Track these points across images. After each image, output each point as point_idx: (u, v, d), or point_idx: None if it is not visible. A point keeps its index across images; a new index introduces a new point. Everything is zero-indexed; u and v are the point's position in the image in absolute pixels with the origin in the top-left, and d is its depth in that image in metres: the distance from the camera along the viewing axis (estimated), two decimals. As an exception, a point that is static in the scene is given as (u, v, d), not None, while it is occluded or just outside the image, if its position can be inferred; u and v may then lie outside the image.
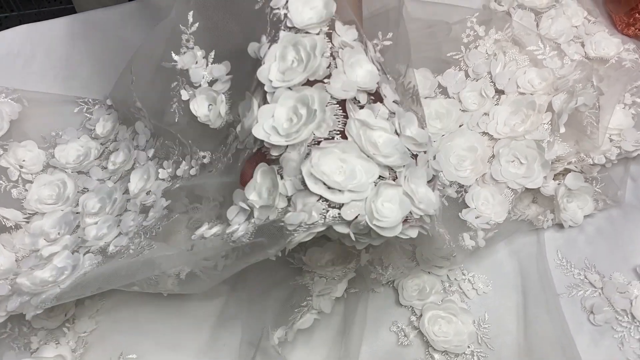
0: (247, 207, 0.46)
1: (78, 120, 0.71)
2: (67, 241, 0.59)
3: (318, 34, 0.48)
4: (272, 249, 0.46)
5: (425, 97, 0.69)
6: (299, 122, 0.45)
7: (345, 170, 0.44)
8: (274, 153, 0.46)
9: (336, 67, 0.47)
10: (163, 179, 0.62)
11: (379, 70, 0.50)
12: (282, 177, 0.45)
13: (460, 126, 0.67)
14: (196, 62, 0.58)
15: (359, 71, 0.48)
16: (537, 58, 0.69)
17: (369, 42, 0.51)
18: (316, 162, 0.44)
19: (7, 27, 0.76)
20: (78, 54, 0.76)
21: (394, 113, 0.48)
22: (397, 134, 0.48)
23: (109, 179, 0.66)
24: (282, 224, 0.44)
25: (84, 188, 0.65)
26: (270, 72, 0.47)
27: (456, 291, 0.62)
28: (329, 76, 0.47)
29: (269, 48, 0.48)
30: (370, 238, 0.46)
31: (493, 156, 0.65)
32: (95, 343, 0.59)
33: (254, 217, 0.46)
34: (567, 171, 0.66)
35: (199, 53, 0.58)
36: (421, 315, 0.60)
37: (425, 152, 0.48)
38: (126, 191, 0.63)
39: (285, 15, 0.48)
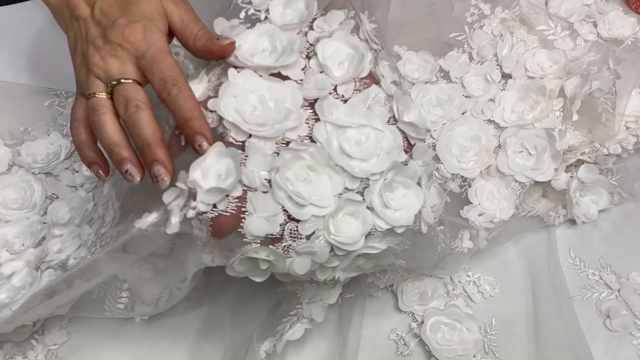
0: (186, 188, 0.40)
1: (49, 114, 0.65)
2: (30, 255, 0.54)
3: (297, 33, 0.46)
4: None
5: (426, 82, 0.64)
6: (267, 115, 0.42)
7: (311, 180, 0.42)
8: (238, 137, 0.42)
9: (310, 68, 0.45)
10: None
11: (376, 44, 0.45)
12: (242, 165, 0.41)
13: (463, 113, 0.62)
14: None
15: (335, 59, 0.45)
16: (547, 39, 0.63)
17: (363, 15, 0.46)
18: (283, 167, 0.40)
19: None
20: (50, 40, 0.70)
21: (392, 96, 0.43)
22: (395, 120, 0.43)
23: (82, 186, 0.61)
24: (240, 230, 0.40)
25: (53, 194, 0.60)
26: (238, 49, 0.44)
27: (460, 295, 0.58)
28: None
29: (242, 30, 0.45)
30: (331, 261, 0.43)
31: (499, 146, 0.59)
32: (66, 357, 0.54)
33: (194, 201, 0.39)
34: (580, 162, 0.61)
35: None
36: (422, 321, 0.55)
37: (424, 140, 0.44)
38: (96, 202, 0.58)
39: (266, 18, 0.46)
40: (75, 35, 0.46)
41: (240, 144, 0.42)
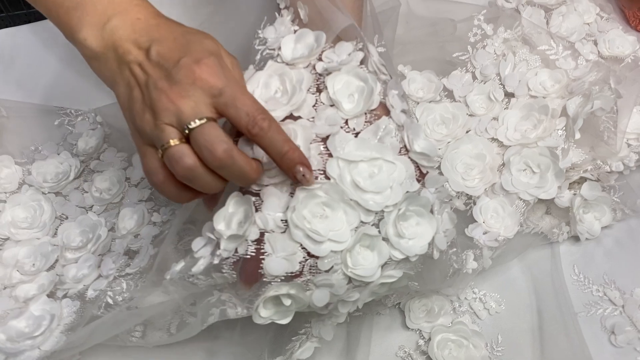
0: (214, 237, 0.43)
1: (59, 133, 0.66)
2: (43, 279, 0.55)
3: (306, 67, 0.47)
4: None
5: (430, 101, 0.65)
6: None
7: (327, 217, 0.42)
8: (254, 187, 0.44)
9: (322, 103, 0.45)
10: (155, 223, 0.58)
11: (384, 75, 0.46)
12: (257, 210, 0.43)
13: (467, 132, 0.63)
14: None
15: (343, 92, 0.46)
16: (549, 58, 0.64)
17: (371, 46, 0.47)
18: (299, 205, 0.41)
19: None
20: (60, 60, 0.72)
21: (402, 126, 0.44)
22: (406, 149, 0.44)
23: (91, 208, 0.61)
24: (261, 270, 0.41)
25: (62, 214, 0.61)
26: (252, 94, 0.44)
27: (467, 312, 0.58)
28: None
29: (254, 73, 0.46)
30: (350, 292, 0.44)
31: (503, 164, 0.60)
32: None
33: (219, 249, 0.42)
34: (582, 180, 0.62)
35: None
36: (430, 338, 0.55)
37: (435, 167, 0.45)
38: (112, 228, 0.59)
39: (278, 54, 0.47)
40: (128, 83, 0.41)
41: (257, 191, 0.44)
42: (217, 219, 0.43)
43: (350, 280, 0.43)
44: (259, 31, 0.50)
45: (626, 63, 0.68)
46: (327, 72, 0.46)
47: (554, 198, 0.59)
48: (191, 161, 0.39)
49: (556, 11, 0.71)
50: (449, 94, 0.65)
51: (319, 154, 0.43)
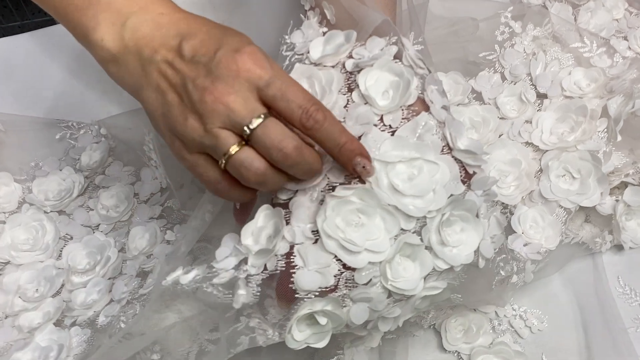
0: (242, 251, 0.39)
1: (61, 148, 0.62)
2: (49, 306, 0.50)
3: (335, 66, 0.43)
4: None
5: (458, 104, 0.60)
6: None
7: (363, 224, 0.39)
8: (282, 197, 0.41)
9: (353, 102, 0.42)
10: (169, 242, 0.54)
11: (422, 69, 0.42)
12: (287, 223, 0.39)
13: (500, 136, 0.59)
14: None
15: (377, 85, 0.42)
16: (582, 56, 0.60)
17: (406, 40, 0.43)
18: (330, 213, 0.38)
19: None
20: (60, 70, 0.67)
21: (443, 122, 0.40)
22: (449, 148, 0.40)
23: (98, 227, 0.57)
24: (292, 285, 0.38)
25: (67, 234, 0.56)
26: None
27: (507, 330, 0.54)
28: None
29: None
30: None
31: (540, 170, 0.56)
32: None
33: (246, 264, 0.39)
34: (622, 185, 0.58)
35: None
36: (469, 361, 0.51)
37: (482, 166, 0.41)
38: (122, 248, 0.55)
39: (307, 57, 0.44)
40: (157, 87, 0.37)
41: (285, 202, 0.40)
42: (245, 233, 0.39)
43: (390, 294, 0.39)
44: (286, 36, 0.46)
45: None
46: (358, 68, 0.42)
47: (595, 205, 0.55)
48: (262, 165, 0.37)
49: (584, 7, 0.67)
50: (478, 96, 0.61)
51: None
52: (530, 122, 0.59)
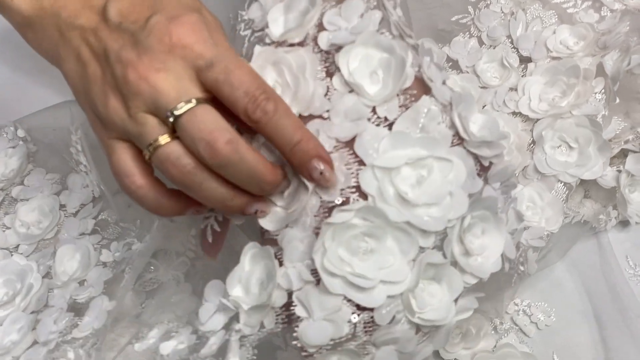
0: (231, 306, 0.31)
1: (-34, 154, 0.51)
2: None
3: (303, 42, 0.34)
4: None
5: (432, 76, 0.53)
6: (294, 184, 0.33)
7: (372, 251, 0.30)
8: (268, 227, 0.33)
9: (336, 90, 0.33)
10: (105, 264, 0.45)
11: (411, 38, 0.34)
12: (281, 264, 0.32)
13: (483, 107, 0.52)
14: None
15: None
16: (566, 12, 0.54)
17: (387, 2, 0.35)
18: (330, 244, 0.29)
19: None
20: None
21: (450, 104, 0.32)
22: (459, 138, 0.32)
23: (17, 248, 0.47)
24: (295, 343, 0.30)
25: (-25, 259, 0.46)
26: None
27: (511, 329, 0.47)
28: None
29: None
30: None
31: (533, 142, 0.49)
32: None
33: (239, 323, 0.31)
34: (621, 154, 0.51)
35: None
36: (472, 370, 0.44)
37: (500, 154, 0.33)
38: (47, 274, 0.45)
39: (267, 34, 0.35)
40: (78, 56, 0.32)
41: (275, 236, 0.32)
42: (231, 283, 0.31)
43: (418, 328, 0.31)
44: (242, 12, 0.38)
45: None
46: (336, 47, 0.33)
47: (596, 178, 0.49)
48: (191, 162, 0.30)
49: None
50: (454, 65, 0.54)
51: (346, 164, 0.31)
52: (516, 90, 0.52)
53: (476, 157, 0.33)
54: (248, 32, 0.37)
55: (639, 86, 0.50)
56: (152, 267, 0.46)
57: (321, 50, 0.34)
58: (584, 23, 0.52)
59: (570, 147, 0.48)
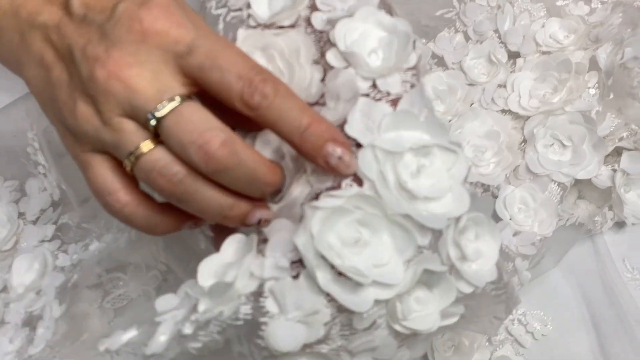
0: (192, 294, 0.27)
1: None
2: None
3: (295, 25, 0.31)
4: None
5: (417, 73, 0.50)
6: (285, 167, 0.29)
7: (367, 243, 0.27)
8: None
9: (331, 68, 0.30)
10: (62, 269, 0.41)
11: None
12: (263, 255, 0.28)
13: (471, 105, 0.49)
14: None
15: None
16: (555, 5, 0.51)
17: None
18: (319, 229, 0.26)
19: None
20: None
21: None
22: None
23: None
24: (259, 342, 0.26)
25: None
26: None
27: (506, 340, 0.44)
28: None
29: None
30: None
31: (524, 141, 0.47)
32: None
33: (196, 312, 0.26)
34: (615, 152, 0.49)
35: None
36: (466, 385, 0.41)
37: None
38: (3, 288, 0.41)
39: (249, 15, 0.32)
40: (41, 60, 0.28)
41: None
42: (203, 271, 0.27)
43: (397, 333, 0.28)
44: None
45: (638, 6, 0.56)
46: (332, 25, 0.30)
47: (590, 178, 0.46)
48: (182, 170, 0.26)
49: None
50: (439, 61, 0.51)
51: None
52: (505, 86, 0.49)
53: None
54: (223, 10, 0.33)
55: (632, 80, 0.48)
56: (121, 283, 0.43)
57: (315, 31, 0.31)
58: (574, 16, 0.50)
59: (563, 145, 0.46)
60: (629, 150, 0.49)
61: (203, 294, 0.26)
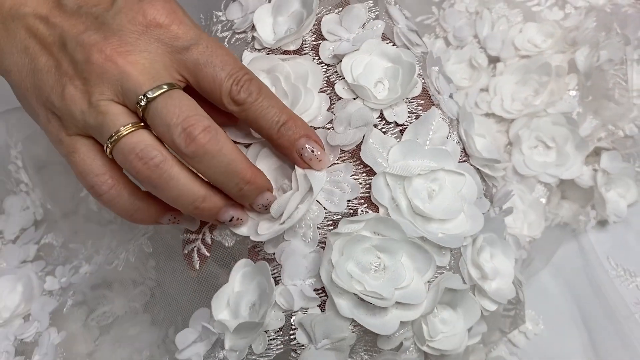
0: (214, 331, 0.27)
1: None
2: None
3: (299, 49, 0.32)
4: None
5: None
6: (282, 190, 0.30)
7: (385, 268, 0.27)
8: (269, 250, 0.29)
9: (339, 99, 0.31)
10: (51, 293, 0.40)
11: (419, 46, 0.33)
12: (277, 283, 0.28)
13: (455, 110, 0.49)
14: None
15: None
16: (531, 10, 0.53)
17: (392, 8, 0.33)
18: (339, 258, 0.26)
19: None
20: None
21: (457, 119, 0.31)
22: (465, 154, 0.31)
23: None
24: None
25: None
26: None
27: (500, 340, 0.44)
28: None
29: None
30: None
31: (509, 143, 0.47)
32: None
33: (223, 350, 0.27)
34: (593, 152, 0.50)
35: None
36: (464, 388, 0.41)
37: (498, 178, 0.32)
38: None
39: (253, 37, 0.33)
40: (25, 49, 0.28)
41: (272, 254, 0.29)
42: (217, 304, 0.27)
43: (426, 355, 0.28)
44: (219, 13, 0.35)
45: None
46: (339, 59, 0.31)
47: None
48: (160, 154, 0.27)
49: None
50: (422, 67, 0.52)
51: (352, 175, 0.29)
52: (487, 90, 0.50)
53: (481, 176, 0.31)
54: (228, 33, 0.34)
55: (608, 82, 0.50)
56: (106, 299, 0.41)
57: (322, 63, 0.32)
58: (550, 20, 0.52)
59: (547, 146, 0.47)
60: (608, 150, 0.50)
61: (228, 332, 0.26)
